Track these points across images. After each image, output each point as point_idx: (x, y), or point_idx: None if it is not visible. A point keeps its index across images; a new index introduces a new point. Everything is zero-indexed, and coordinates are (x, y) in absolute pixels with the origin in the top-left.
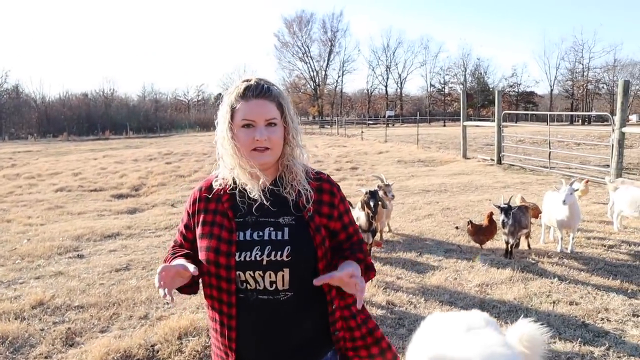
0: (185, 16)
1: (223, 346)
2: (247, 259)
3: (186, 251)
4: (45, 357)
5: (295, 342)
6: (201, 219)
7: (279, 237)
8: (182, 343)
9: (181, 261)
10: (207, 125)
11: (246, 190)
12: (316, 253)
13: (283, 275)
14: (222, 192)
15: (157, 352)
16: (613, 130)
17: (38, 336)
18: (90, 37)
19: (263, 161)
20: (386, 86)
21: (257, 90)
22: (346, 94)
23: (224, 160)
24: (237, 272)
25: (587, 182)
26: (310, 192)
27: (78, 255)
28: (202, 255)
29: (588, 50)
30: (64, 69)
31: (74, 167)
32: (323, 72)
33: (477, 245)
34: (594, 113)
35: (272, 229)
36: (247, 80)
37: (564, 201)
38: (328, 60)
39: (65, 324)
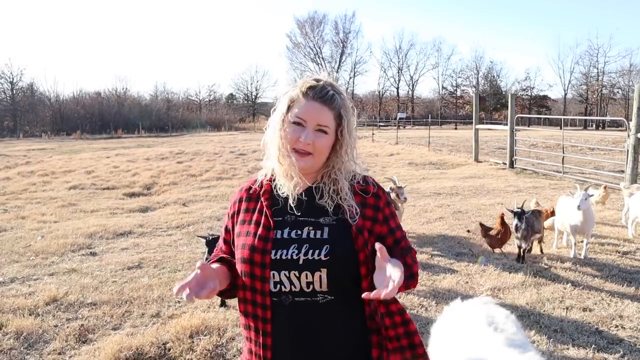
0: (197, 16)
1: (257, 357)
2: (283, 257)
3: (221, 255)
4: (59, 353)
5: (337, 350)
6: (240, 218)
7: (318, 236)
8: (193, 342)
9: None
10: (218, 125)
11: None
12: (357, 256)
13: (320, 276)
14: (262, 191)
15: (169, 350)
16: (628, 135)
17: (52, 332)
18: (103, 36)
19: (300, 165)
20: (398, 88)
21: (321, 94)
22: (357, 95)
23: (268, 149)
24: (272, 272)
25: (605, 187)
26: (355, 208)
27: (91, 252)
28: (237, 254)
29: (603, 55)
30: (77, 68)
31: (87, 165)
32: (335, 74)
33: (489, 248)
34: (608, 118)
35: (311, 228)
36: (317, 80)
37: (579, 206)
38: (340, 61)
39: (79, 321)
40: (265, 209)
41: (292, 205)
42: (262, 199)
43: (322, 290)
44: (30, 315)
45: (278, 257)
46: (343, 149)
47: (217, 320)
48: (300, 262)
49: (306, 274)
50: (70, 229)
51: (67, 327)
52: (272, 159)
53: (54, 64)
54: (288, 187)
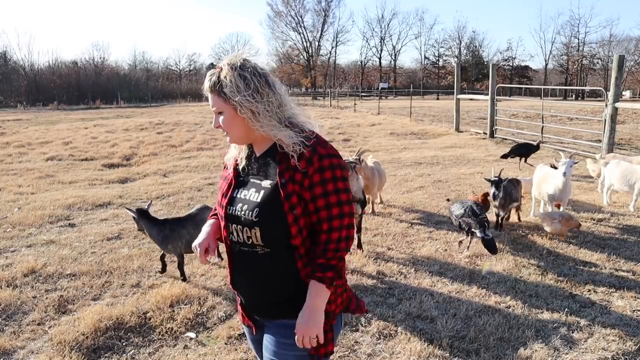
0: None
1: (230, 282)
2: (233, 213)
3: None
4: (38, 324)
5: (273, 292)
6: (224, 175)
7: (254, 199)
8: (174, 311)
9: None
10: (199, 95)
11: (251, 154)
12: (286, 218)
13: (255, 232)
14: (240, 157)
15: (150, 319)
16: (606, 105)
17: (31, 303)
18: (79, 3)
19: (229, 142)
20: (380, 58)
21: (206, 87)
22: (339, 65)
23: None
24: (228, 223)
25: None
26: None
27: (69, 224)
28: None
29: (584, 25)
30: (52, 36)
31: (65, 136)
32: (316, 43)
33: None
34: (587, 88)
35: (254, 190)
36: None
37: (564, 173)
38: (322, 30)
39: (58, 292)
40: (232, 170)
41: (247, 169)
42: (235, 162)
43: (259, 244)
44: (8, 287)
45: (230, 212)
46: (238, 111)
47: (197, 290)
48: (242, 219)
49: (246, 230)
50: (48, 200)
51: (46, 298)
52: None
53: (28, 32)
54: (242, 157)
